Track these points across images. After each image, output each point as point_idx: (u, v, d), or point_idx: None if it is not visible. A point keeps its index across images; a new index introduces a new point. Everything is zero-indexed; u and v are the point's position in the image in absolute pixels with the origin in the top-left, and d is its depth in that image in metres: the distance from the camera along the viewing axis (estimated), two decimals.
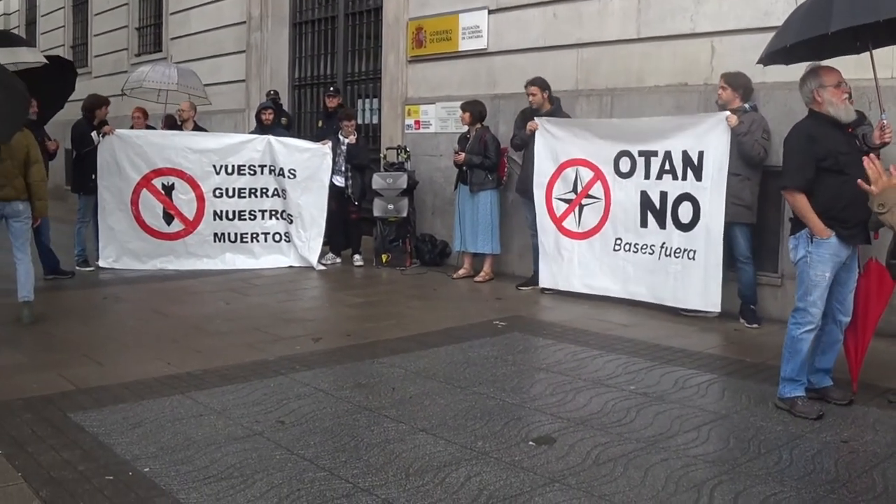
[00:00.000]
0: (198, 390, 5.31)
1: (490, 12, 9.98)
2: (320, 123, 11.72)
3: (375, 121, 12.03)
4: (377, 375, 5.73)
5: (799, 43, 5.07)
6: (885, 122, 5.09)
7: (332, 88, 11.70)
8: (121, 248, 9.98)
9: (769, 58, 5.46)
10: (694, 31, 8.02)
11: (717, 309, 7.39)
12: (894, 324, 6.27)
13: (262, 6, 13.70)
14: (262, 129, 10.91)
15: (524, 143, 8.87)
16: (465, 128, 9.51)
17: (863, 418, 4.90)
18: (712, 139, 7.30)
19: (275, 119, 11.20)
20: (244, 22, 14.03)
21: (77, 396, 5.16)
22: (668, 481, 3.94)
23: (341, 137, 10.38)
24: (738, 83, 7.26)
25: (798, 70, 5.30)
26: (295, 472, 4.02)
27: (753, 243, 7.34)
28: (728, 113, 7.17)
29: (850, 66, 5.46)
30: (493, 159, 9.19)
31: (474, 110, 9.36)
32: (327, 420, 4.79)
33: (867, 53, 5.18)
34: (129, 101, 12.12)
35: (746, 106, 7.27)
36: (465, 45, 10.31)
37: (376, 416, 4.87)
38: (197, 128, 11.12)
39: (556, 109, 8.76)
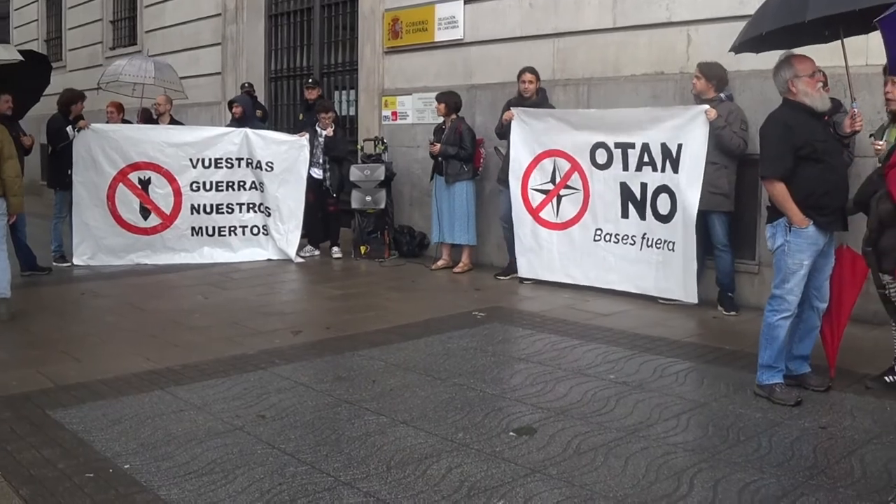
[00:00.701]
0: (177, 385, 5.28)
1: (466, 2, 9.96)
2: (301, 116, 11.66)
3: (352, 112, 12.00)
4: (357, 368, 5.72)
5: (773, 31, 5.08)
6: (855, 110, 5.12)
7: (310, 80, 11.64)
8: (96, 245, 9.87)
9: (742, 46, 5.48)
10: (670, 19, 8.04)
11: (694, 300, 7.43)
12: (870, 310, 6.32)
13: None
14: (235, 122, 10.86)
15: (502, 133, 8.88)
16: (442, 119, 9.51)
17: (840, 404, 4.95)
18: (691, 132, 7.30)
19: (247, 112, 11.12)
20: (219, 14, 13.94)
21: (56, 393, 5.12)
22: (649, 470, 3.97)
23: (319, 129, 10.34)
24: (712, 73, 7.27)
25: (773, 58, 5.32)
26: (276, 466, 4.01)
27: (731, 231, 7.38)
28: (707, 106, 7.18)
29: (825, 54, 5.48)
30: (468, 150, 9.18)
31: (449, 101, 9.34)
32: (308, 414, 4.78)
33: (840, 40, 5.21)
34: (104, 96, 12.00)
35: (722, 95, 7.29)
36: (441, 35, 10.29)
37: (357, 409, 4.87)
38: (173, 121, 11.06)
39: (542, 100, 8.73)
